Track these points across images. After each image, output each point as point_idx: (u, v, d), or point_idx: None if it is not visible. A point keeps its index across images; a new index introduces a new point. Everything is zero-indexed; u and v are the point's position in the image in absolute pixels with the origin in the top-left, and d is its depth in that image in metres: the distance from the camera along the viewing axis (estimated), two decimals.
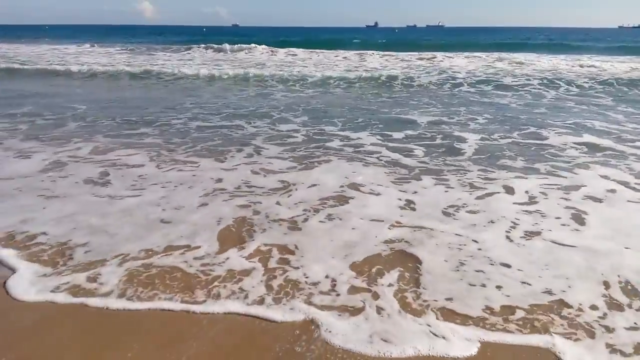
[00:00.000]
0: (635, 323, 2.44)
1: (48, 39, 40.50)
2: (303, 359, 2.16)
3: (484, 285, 2.80)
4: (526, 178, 4.82)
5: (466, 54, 23.08)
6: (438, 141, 6.45)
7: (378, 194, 4.35)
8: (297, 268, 2.98)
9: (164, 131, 7.01)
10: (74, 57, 21.99)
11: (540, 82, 13.05)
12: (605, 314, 2.53)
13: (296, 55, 23.83)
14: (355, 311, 2.52)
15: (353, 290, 2.74)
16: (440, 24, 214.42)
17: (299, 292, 2.71)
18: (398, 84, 12.99)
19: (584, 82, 12.88)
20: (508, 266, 3.01)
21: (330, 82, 13.39)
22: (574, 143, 6.31)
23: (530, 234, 3.50)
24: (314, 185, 4.60)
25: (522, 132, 7.05)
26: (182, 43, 30.73)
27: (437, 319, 2.46)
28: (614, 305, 2.61)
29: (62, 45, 31.12)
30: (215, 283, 2.79)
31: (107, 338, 2.32)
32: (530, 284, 2.80)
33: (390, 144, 6.26)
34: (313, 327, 2.39)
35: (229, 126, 7.42)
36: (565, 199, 4.21)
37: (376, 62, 20.45)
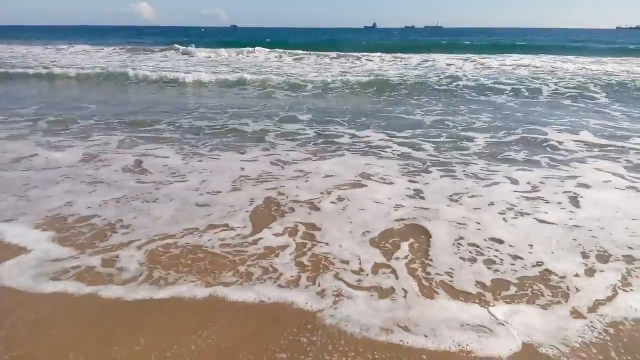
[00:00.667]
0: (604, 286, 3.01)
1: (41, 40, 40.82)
2: (321, 344, 2.42)
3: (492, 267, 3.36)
4: (527, 170, 5.38)
5: (464, 54, 23.78)
6: (443, 138, 7.01)
7: (390, 183, 4.91)
8: (323, 245, 3.49)
9: (176, 129, 7.51)
10: (63, 59, 22.41)
11: (538, 81, 13.69)
12: (581, 280, 3.08)
13: (294, 56, 24.39)
14: (381, 293, 2.88)
15: (373, 267, 3.15)
16: (438, 24, 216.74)
17: (325, 270, 3.11)
18: (398, 84, 13.54)
19: (581, 82, 13.52)
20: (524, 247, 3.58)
21: (329, 83, 13.92)
22: (572, 140, 6.89)
23: (524, 214, 4.07)
24: (330, 175, 5.14)
25: (522, 128, 7.64)
26: (179, 44, 31.06)
27: (462, 301, 2.85)
28: (589, 272, 3.15)
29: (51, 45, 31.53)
30: (249, 262, 3.20)
31: (125, 322, 2.57)
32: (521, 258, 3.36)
33: (397, 140, 6.82)
34: (336, 307, 2.72)
35: (238, 124, 7.92)
36: (561, 187, 4.79)
37: (375, 62, 21.08)
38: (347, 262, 3.22)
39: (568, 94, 11.87)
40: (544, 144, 6.65)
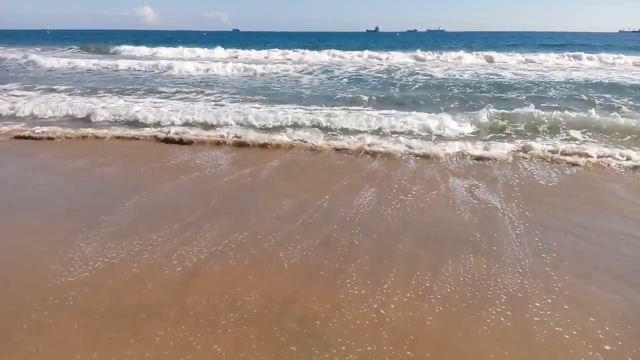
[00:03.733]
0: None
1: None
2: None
3: None
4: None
5: (469, 57, 27.45)
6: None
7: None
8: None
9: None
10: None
11: (536, 80, 16.89)
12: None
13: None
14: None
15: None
16: (440, 28, 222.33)
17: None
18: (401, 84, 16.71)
19: (579, 80, 16.35)
20: None
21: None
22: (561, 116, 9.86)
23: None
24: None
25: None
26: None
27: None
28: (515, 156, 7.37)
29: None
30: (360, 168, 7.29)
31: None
32: None
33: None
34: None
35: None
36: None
37: (375, 62, 24.74)
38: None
39: (565, 90, 14.57)
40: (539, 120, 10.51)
